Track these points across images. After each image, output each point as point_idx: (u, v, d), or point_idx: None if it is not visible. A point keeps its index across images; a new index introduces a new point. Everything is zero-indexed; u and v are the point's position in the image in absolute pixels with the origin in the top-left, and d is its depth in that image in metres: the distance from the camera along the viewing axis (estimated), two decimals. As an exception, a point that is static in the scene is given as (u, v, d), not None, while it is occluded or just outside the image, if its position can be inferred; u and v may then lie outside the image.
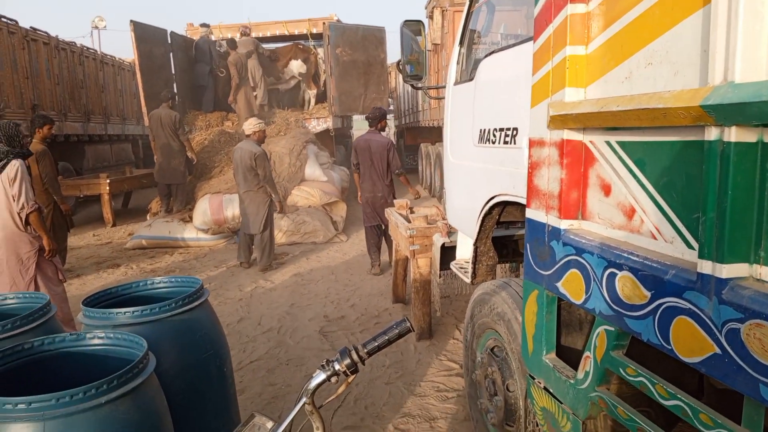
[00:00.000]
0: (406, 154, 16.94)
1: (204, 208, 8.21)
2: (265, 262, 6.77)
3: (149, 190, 12.71)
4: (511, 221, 3.09)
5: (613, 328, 1.49)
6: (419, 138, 15.43)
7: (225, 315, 5.14)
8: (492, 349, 2.58)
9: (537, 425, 2.01)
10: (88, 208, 12.14)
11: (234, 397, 2.43)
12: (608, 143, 1.56)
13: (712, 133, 1.12)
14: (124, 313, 2.01)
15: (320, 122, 11.11)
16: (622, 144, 1.51)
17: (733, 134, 1.07)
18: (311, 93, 12.26)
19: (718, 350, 1.12)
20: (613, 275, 1.46)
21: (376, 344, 1.27)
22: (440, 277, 3.73)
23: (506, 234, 3.28)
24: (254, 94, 10.80)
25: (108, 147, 14.15)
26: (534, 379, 1.97)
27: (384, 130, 6.66)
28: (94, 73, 13.17)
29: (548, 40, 1.73)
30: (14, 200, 3.95)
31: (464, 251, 3.44)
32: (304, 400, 1.22)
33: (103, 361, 1.79)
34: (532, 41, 2.21)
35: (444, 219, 4.61)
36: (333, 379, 1.24)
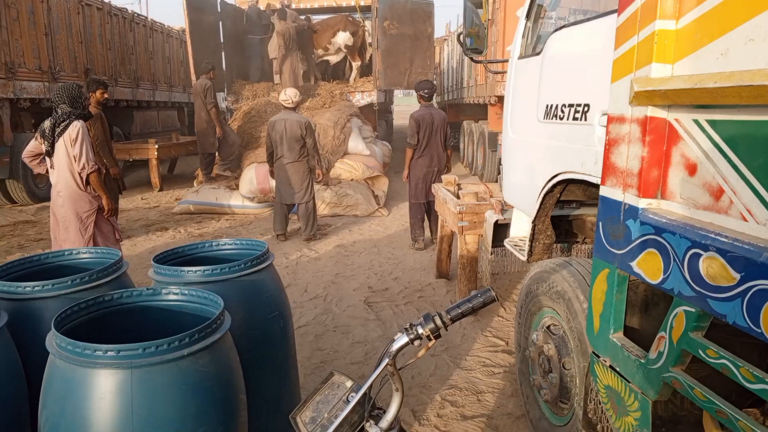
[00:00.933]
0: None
1: (250, 177, 8.33)
2: (311, 231, 6.86)
3: (194, 157, 12.98)
4: (565, 200, 3.05)
5: (693, 310, 1.46)
6: (461, 115, 15.25)
7: (271, 281, 5.25)
8: (548, 327, 2.57)
9: (599, 403, 2.01)
10: (134, 172, 12.47)
11: (294, 357, 2.50)
12: (696, 121, 1.52)
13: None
14: (195, 271, 2.08)
15: (365, 96, 11.07)
16: (712, 122, 1.47)
17: None
18: (356, 66, 12.21)
19: (816, 335, 1.10)
20: (696, 256, 1.43)
21: (460, 311, 1.28)
22: (491, 254, 3.72)
23: (560, 214, 3.25)
24: (301, 66, 10.82)
25: (155, 113, 14.45)
26: (599, 357, 1.96)
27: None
28: (144, 40, 13.40)
29: (635, 14, 1.68)
30: (75, 160, 4.09)
31: (518, 229, 3.42)
32: (386, 360, 1.24)
33: (177, 317, 1.86)
34: (607, 16, 2.17)
35: (493, 196, 4.58)
36: (415, 343, 1.26)
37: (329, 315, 4.51)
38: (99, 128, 6.07)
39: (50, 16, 9.38)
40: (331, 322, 4.36)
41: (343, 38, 11.60)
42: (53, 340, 1.53)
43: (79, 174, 4.14)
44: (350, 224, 7.86)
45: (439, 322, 1.26)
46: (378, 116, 12.04)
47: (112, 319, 1.84)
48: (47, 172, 4.25)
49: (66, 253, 2.41)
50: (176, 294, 1.88)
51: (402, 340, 1.26)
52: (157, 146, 10.19)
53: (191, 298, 1.86)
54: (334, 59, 12.08)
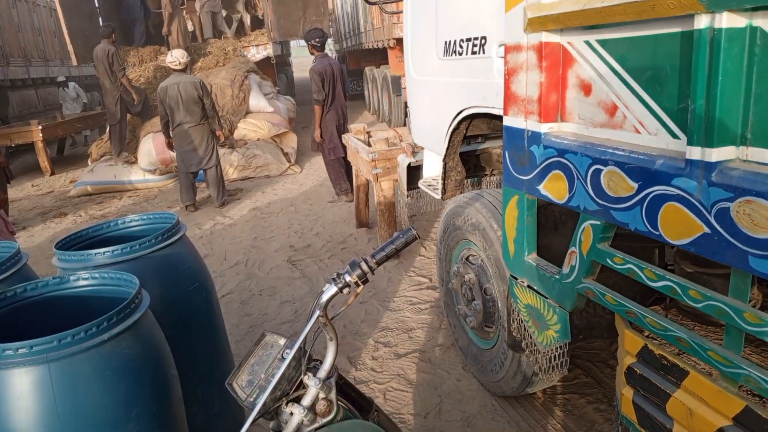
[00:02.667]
0: (350, 79, 16.54)
1: (148, 148, 7.90)
2: (222, 197, 6.66)
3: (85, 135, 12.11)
4: (471, 136, 3.11)
5: (599, 222, 1.55)
6: (362, 61, 15.03)
7: (188, 253, 5.08)
8: (467, 258, 2.67)
9: (522, 322, 2.12)
10: (20, 158, 11.48)
11: (223, 326, 2.44)
12: (588, 43, 1.57)
13: (702, 21, 1.14)
14: (103, 253, 1.95)
15: (260, 50, 10.68)
16: (602, 42, 1.52)
17: (725, 20, 1.09)
18: (247, 17, 11.68)
19: (707, 230, 1.20)
20: (598, 171, 1.51)
21: (384, 253, 1.29)
22: (407, 197, 3.77)
23: (468, 149, 3.32)
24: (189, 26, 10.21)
25: (33, 92, 13.26)
26: (516, 279, 2.06)
27: None
28: (7, 12, 12.10)
29: (521, -60, 1.69)
30: None
31: (430, 169, 3.47)
32: (317, 312, 1.24)
33: (90, 303, 1.75)
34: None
35: (403, 140, 4.61)
36: (344, 291, 1.26)
37: (253, 279, 4.45)
38: None
39: None
40: (255, 287, 4.30)
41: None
42: (-48, 346, 1.40)
43: None
44: (263, 185, 7.69)
45: (365, 267, 1.26)
46: (277, 70, 11.67)
47: (19, 315, 1.71)
48: None
49: (-47, 252, 2.19)
50: (86, 279, 1.76)
51: (331, 290, 1.26)
52: (41, 127, 9.38)
53: (103, 281, 1.76)
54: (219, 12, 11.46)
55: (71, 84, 11.79)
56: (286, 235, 5.51)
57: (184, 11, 10.07)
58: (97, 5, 10.25)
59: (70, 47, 9.21)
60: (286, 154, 8.61)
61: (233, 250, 5.20)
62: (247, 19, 11.62)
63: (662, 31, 1.31)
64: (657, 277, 1.38)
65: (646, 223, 1.36)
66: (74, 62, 9.57)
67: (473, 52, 2.44)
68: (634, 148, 1.42)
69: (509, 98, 1.88)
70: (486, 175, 3.52)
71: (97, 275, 1.77)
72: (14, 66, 11.90)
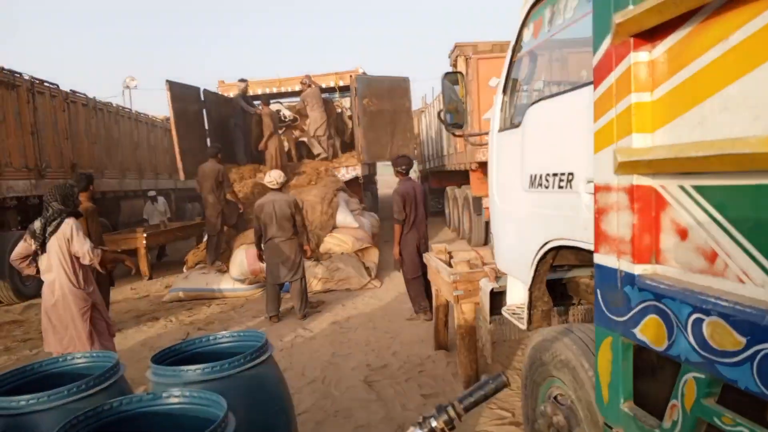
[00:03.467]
0: (432, 197, 17.05)
1: (241, 259, 8.31)
2: (305, 308, 6.83)
3: (182, 243, 12.94)
4: (559, 264, 3.06)
5: (702, 376, 1.45)
6: (444, 181, 15.52)
7: (268, 366, 5.13)
8: (555, 397, 2.52)
9: (618, 478, 1.94)
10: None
11: (299, 453, 2.41)
12: (682, 188, 1.56)
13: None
14: (195, 370, 2.03)
15: (349, 170, 11.28)
16: (698, 188, 1.51)
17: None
18: (337, 141, 12.50)
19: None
20: (699, 321, 1.43)
21: (472, 399, 1.26)
22: (490, 323, 3.69)
23: (553, 277, 3.26)
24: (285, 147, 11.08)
25: (142, 201, 14.51)
26: (611, 428, 1.92)
27: None
28: (129, 131, 13.66)
29: (611, 88, 1.76)
30: (76, 258, 4.08)
31: (515, 296, 3.41)
32: (403, 458, 1.21)
33: (180, 421, 1.80)
34: (584, 87, 2.26)
35: (485, 263, 4.59)
36: (429, 437, 1.23)
37: (329, 399, 4.39)
38: (96, 222, 6.14)
39: (36, 116, 9.57)
40: (331, 407, 4.23)
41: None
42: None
43: (84, 267, 4.13)
44: (343, 298, 7.79)
45: (452, 413, 1.23)
46: (363, 188, 12.21)
47: (113, 430, 1.77)
48: (37, 273, 4.21)
49: (60, 359, 2.35)
50: (177, 397, 1.82)
51: (416, 434, 1.23)
52: (145, 235, 10.17)
53: (193, 400, 1.81)
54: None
55: (160, 199, 12.87)
56: (363, 352, 5.47)
57: (282, 133, 10.93)
58: (206, 128, 11.35)
59: (179, 164, 10.13)
60: (367, 268, 8.77)
61: (311, 365, 5.20)
62: (338, 143, 12.43)
63: (760, 181, 1.29)
64: (776, 445, 1.25)
65: (759, 383, 1.26)
66: (182, 177, 10.45)
67: (560, 187, 2.47)
68: (738, 299, 1.35)
69: (600, 236, 1.87)
70: (573, 304, 3.41)
71: (188, 393, 1.83)
72: (129, 179, 13.19)
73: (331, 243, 9.04)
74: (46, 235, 4.03)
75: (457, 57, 10.39)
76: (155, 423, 1.80)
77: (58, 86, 10.50)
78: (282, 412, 2.21)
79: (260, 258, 6.90)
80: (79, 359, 2.35)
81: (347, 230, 9.38)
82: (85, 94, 11.65)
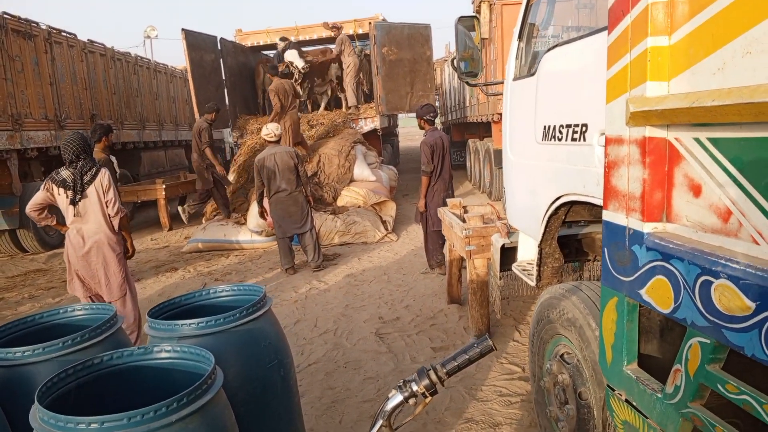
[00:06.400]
0: (453, 150, 16.75)
1: (257, 211, 8.30)
2: (318, 260, 6.84)
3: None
4: (574, 220, 2.96)
5: (708, 341, 1.37)
6: (466, 133, 15.27)
7: (282, 317, 5.17)
8: (562, 356, 2.47)
9: (619, 440, 1.90)
10: (144, 212, 12.52)
11: (298, 406, 2.40)
12: (697, 140, 1.44)
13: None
14: (189, 324, 2.01)
15: (367, 122, 11.09)
16: (714, 141, 1.39)
17: None
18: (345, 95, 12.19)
19: None
20: (707, 283, 1.34)
21: (456, 364, 1.20)
22: (500, 278, 3.62)
23: (568, 233, 3.16)
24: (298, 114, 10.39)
25: (162, 153, 14.59)
26: (614, 390, 1.86)
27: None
28: (148, 82, 13.58)
29: (626, 32, 1.62)
30: (108, 205, 4.18)
31: (526, 252, 3.32)
32: (380, 422, 1.16)
33: (170, 375, 1.79)
34: (600, 32, 2.10)
35: (500, 218, 4.50)
36: (410, 401, 1.18)
37: (340, 350, 4.41)
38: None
39: (54, 66, 9.53)
40: (341, 358, 4.26)
41: (333, 70, 11.61)
42: (36, 413, 1.46)
43: (112, 218, 4.20)
44: (360, 252, 7.79)
45: (434, 377, 1.18)
46: (382, 141, 12.03)
47: (102, 383, 1.77)
48: (56, 223, 4.28)
49: (61, 311, 2.36)
50: (168, 352, 1.81)
51: (396, 399, 1.18)
52: (164, 186, 10.23)
53: (183, 355, 1.79)
54: (324, 91, 12.02)
55: None
56: (376, 305, 5.47)
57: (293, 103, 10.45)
58: (224, 77, 11.20)
59: (196, 115, 10.07)
60: (384, 222, 8.72)
61: (324, 316, 5.23)
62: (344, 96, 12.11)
63: (785, 134, 1.17)
64: (781, 417, 1.17)
65: (766, 350, 1.17)
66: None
67: (573, 139, 2.34)
68: (751, 260, 1.25)
69: (609, 192, 1.76)
70: (588, 260, 3.32)
71: (178, 348, 1.81)
72: (149, 130, 13.20)
73: (348, 197, 8.97)
74: (84, 184, 4.07)
75: (480, 2, 9.98)
76: (145, 377, 1.79)
77: (75, 36, 10.41)
78: (279, 366, 2.19)
79: (263, 215, 6.96)
80: (79, 311, 2.36)
81: (364, 183, 9.29)
82: (102, 44, 11.55)
